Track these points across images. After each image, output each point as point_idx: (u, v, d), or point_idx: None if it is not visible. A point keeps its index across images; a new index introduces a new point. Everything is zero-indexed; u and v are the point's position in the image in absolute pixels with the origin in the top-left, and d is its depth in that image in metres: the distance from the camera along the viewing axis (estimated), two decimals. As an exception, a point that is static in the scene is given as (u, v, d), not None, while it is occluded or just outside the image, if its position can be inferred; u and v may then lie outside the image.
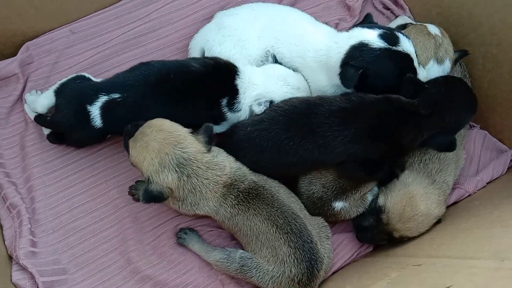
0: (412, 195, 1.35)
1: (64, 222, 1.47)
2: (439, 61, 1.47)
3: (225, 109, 1.39)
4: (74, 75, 1.44)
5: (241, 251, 1.33)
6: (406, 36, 1.34)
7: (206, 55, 1.52)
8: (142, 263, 1.45)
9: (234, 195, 1.27)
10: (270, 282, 1.27)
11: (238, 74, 1.39)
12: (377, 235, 1.42)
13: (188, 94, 1.35)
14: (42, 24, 1.62)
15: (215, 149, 1.30)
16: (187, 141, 1.20)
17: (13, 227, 1.44)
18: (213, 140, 1.26)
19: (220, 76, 1.38)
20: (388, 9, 1.78)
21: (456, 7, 1.54)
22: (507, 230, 1.07)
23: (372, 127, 1.27)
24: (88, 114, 1.33)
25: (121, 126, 1.31)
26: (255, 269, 1.28)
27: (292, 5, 1.72)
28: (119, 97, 1.32)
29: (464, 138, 1.54)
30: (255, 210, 1.26)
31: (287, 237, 1.25)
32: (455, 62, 1.51)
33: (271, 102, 1.40)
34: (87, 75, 1.45)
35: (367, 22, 1.43)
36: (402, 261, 1.20)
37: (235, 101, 1.39)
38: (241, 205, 1.27)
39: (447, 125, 1.31)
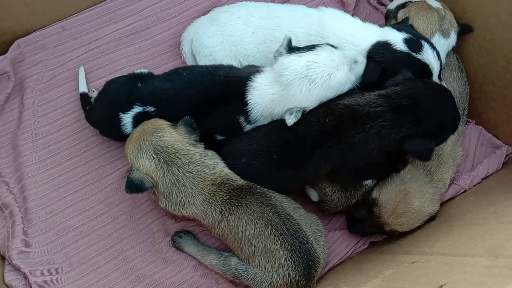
0: (408, 192, 1.34)
1: (57, 221, 1.46)
2: (445, 34, 1.46)
3: (244, 124, 1.33)
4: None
5: (236, 259, 1.30)
6: (434, 48, 1.33)
7: (193, 46, 1.52)
8: (137, 262, 1.44)
9: (225, 192, 1.25)
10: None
11: (248, 90, 1.28)
12: (368, 227, 1.42)
13: (210, 111, 1.32)
14: (33, 22, 1.60)
15: (209, 152, 1.30)
16: (164, 130, 1.23)
17: (5, 227, 1.43)
18: (196, 129, 1.26)
19: (232, 94, 1.30)
20: (382, 4, 1.77)
21: (450, 2, 1.53)
22: (502, 226, 1.06)
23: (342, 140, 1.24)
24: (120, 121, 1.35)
25: None
26: (252, 280, 1.26)
27: (286, 0, 1.71)
28: (153, 111, 1.33)
29: (462, 134, 1.53)
30: (247, 207, 1.23)
31: (283, 238, 1.21)
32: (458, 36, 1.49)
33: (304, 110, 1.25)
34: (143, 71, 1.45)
35: (403, 24, 1.43)
36: (397, 258, 1.20)
37: (250, 117, 1.31)
38: (233, 200, 1.24)
39: (426, 124, 1.18)
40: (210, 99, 1.30)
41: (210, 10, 1.65)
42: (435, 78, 1.34)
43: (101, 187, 1.51)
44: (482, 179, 1.54)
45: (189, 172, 1.23)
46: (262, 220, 1.22)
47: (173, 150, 1.22)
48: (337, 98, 1.27)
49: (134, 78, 1.40)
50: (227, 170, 1.29)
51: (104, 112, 1.40)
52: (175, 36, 1.65)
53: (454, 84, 1.53)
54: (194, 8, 1.68)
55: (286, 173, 1.30)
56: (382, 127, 1.19)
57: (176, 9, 1.69)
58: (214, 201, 1.25)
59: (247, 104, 1.28)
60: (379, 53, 1.33)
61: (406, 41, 1.32)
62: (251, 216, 1.23)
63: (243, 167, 1.31)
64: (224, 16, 1.50)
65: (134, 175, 1.22)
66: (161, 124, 1.25)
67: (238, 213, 1.23)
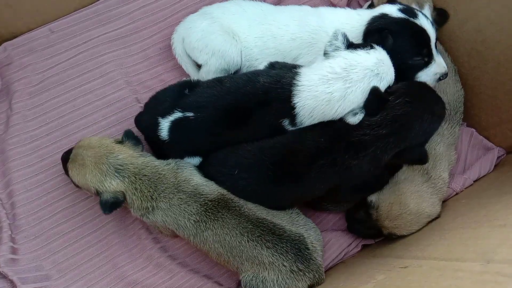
0: (402, 193, 1.33)
1: (46, 227, 1.44)
2: (420, 5, 1.48)
3: (288, 127, 1.30)
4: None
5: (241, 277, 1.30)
6: (427, 17, 1.35)
7: (186, 43, 1.51)
8: (127, 268, 1.43)
9: (200, 203, 1.26)
10: (278, 287, 1.25)
11: (294, 93, 1.24)
12: (367, 230, 1.41)
13: (251, 115, 1.30)
14: (20, 24, 1.59)
15: (164, 160, 1.33)
16: (115, 149, 1.29)
17: (-8, 234, 1.41)
18: (139, 141, 1.34)
19: (277, 95, 1.27)
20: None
21: (441, 4, 1.53)
22: (493, 230, 1.06)
23: (335, 162, 1.25)
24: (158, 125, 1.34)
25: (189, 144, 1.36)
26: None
27: (278, 2, 1.71)
28: (192, 116, 1.32)
29: (457, 139, 1.52)
30: (223, 221, 1.25)
31: (261, 240, 1.24)
32: (436, 22, 1.49)
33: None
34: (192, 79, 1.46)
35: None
36: (389, 262, 1.19)
37: (296, 120, 1.27)
38: (209, 213, 1.26)
39: (415, 139, 1.23)
40: (250, 104, 1.29)
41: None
42: (433, 45, 1.34)
43: (91, 192, 1.49)
44: (474, 181, 1.54)
45: (145, 175, 1.28)
46: (237, 230, 1.25)
47: (131, 164, 1.27)
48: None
49: (184, 85, 1.41)
50: (198, 180, 1.31)
51: (148, 116, 1.39)
52: (164, 39, 1.64)
53: (454, 87, 1.52)
54: (184, 11, 1.67)
55: (280, 190, 1.30)
56: (374, 155, 1.22)
57: (165, 12, 1.68)
58: (187, 211, 1.27)
59: (294, 108, 1.25)
60: (378, 23, 1.33)
61: (402, 10, 1.34)
62: (226, 229, 1.25)
63: (234, 179, 1.31)
64: (217, 11, 1.50)
65: (105, 196, 1.26)
66: (109, 144, 1.29)
67: (215, 228, 1.26)
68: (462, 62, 1.54)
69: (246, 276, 1.27)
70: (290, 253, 1.25)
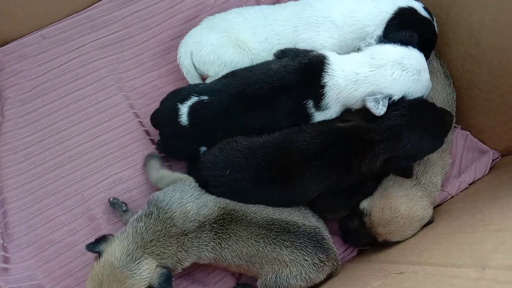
0: (391, 197, 1.33)
1: (39, 235, 1.43)
2: None
3: (312, 110, 1.33)
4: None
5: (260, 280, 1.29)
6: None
7: (195, 57, 1.50)
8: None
9: (208, 230, 1.24)
10: (302, 281, 1.25)
11: (326, 71, 1.30)
12: (362, 239, 1.40)
13: (267, 100, 1.32)
14: (11, 31, 1.58)
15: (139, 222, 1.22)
16: (106, 258, 1.15)
17: (-17, 244, 1.39)
18: (106, 235, 1.23)
19: (303, 76, 1.31)
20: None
21: (434, 7, 1.52)
22: (489, 234, 1.05)
23: (335, 162, 1.27)
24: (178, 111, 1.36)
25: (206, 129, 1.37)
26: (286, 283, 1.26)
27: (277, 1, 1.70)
28: (207, 99, 1.35)
29: (450, 143, 1.52)
30: (235, 236, 1.24)
31: (278, 241, 1.24)
32: None
33: (390, 98, 1.26)
34: None
35: None
36: (385, 268, 1.18)
37: (322, 102, 1.31)
38: (220, 233, 1.24)
39: (403, 150, 1.24)
40: (264, 88, 1.32)
41: (195, 17, 1.65)
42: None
43: (84, 199, 1.47)
44: (469, 184, 1.53)
45: (151, 241, 1.19)
46: (252, 239, 1.24)
47: (127, 246, 1.16)
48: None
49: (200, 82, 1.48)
50: (192, 206, 1.24)
51: (167, 104, 1.41)
52: (158, 45, 1.64)
53: (443, 92, 1.52)
54: (178, 16, 1.66)
55: (276, 190, 1.30)
56: (372, 156, 1.25)
57: (159, 17, 1.67)
58: (202, 244, 1.23)
59: (323, 86, 1.29)
60: (405, 16, 1.37)
61: (426, 10, 1.40)
62: (241, 242, 1.24)
63: (228, 183, 1.30)
64: (222, 23, 1.50)
65: (154, 282, 1.15)
66: (97, 266, 1.15)
67: (229, 245, 1.24)
68: (455, 65, 1.54)
69: (268, 277, 1.26)
70: (309, 247, 1.25)
